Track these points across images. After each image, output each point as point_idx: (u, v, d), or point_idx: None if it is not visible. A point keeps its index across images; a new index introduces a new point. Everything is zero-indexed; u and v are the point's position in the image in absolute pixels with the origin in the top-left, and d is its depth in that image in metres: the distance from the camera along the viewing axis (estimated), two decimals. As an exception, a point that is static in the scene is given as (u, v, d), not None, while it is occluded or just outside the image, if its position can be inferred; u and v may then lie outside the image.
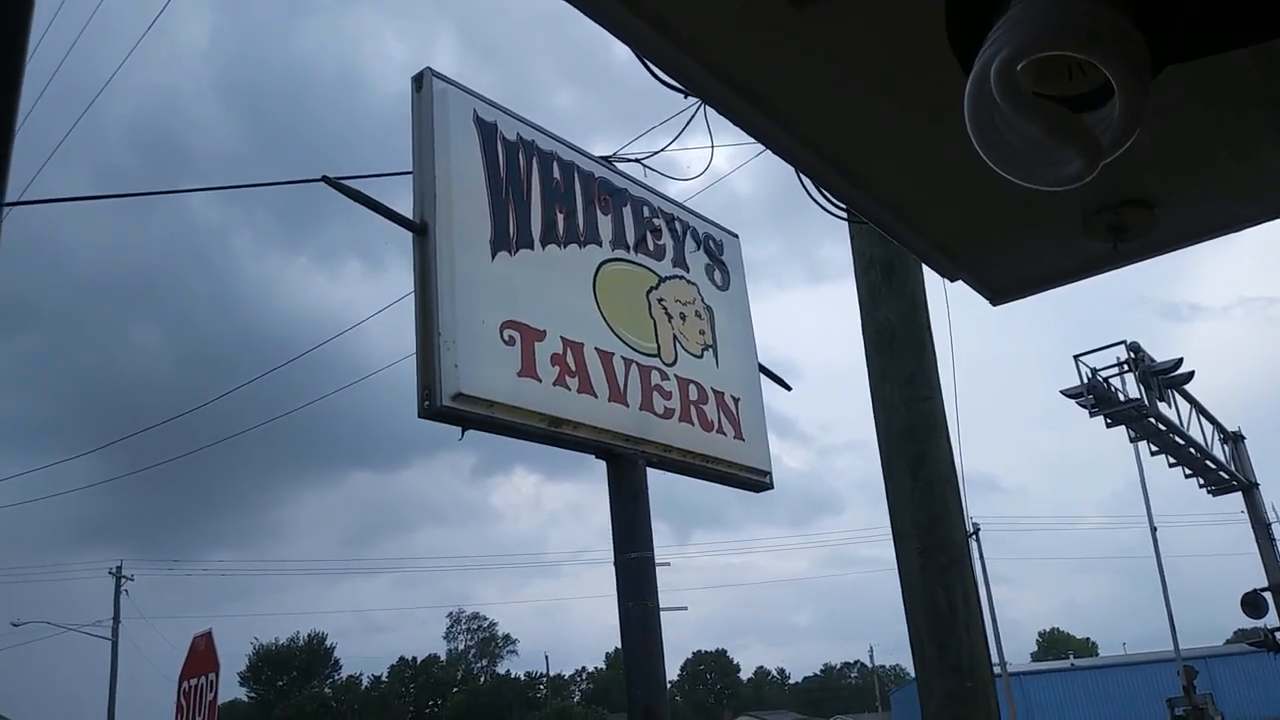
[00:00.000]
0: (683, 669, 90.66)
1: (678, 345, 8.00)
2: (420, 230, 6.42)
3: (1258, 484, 18.14)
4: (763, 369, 9.03)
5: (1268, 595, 17.39)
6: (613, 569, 6.80)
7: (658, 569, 6.85)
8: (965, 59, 1.27)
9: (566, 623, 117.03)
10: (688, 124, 7.61)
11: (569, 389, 6.84)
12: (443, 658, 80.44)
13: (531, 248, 7.04)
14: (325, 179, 6.24)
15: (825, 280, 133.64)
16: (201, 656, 10.09)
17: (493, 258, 6.71)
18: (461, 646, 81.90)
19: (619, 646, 6.89)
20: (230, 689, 68.96)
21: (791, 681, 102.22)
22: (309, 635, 74.34)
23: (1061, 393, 15.37)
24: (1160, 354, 15.63)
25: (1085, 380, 15.03)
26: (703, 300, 8.48)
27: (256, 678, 71.67)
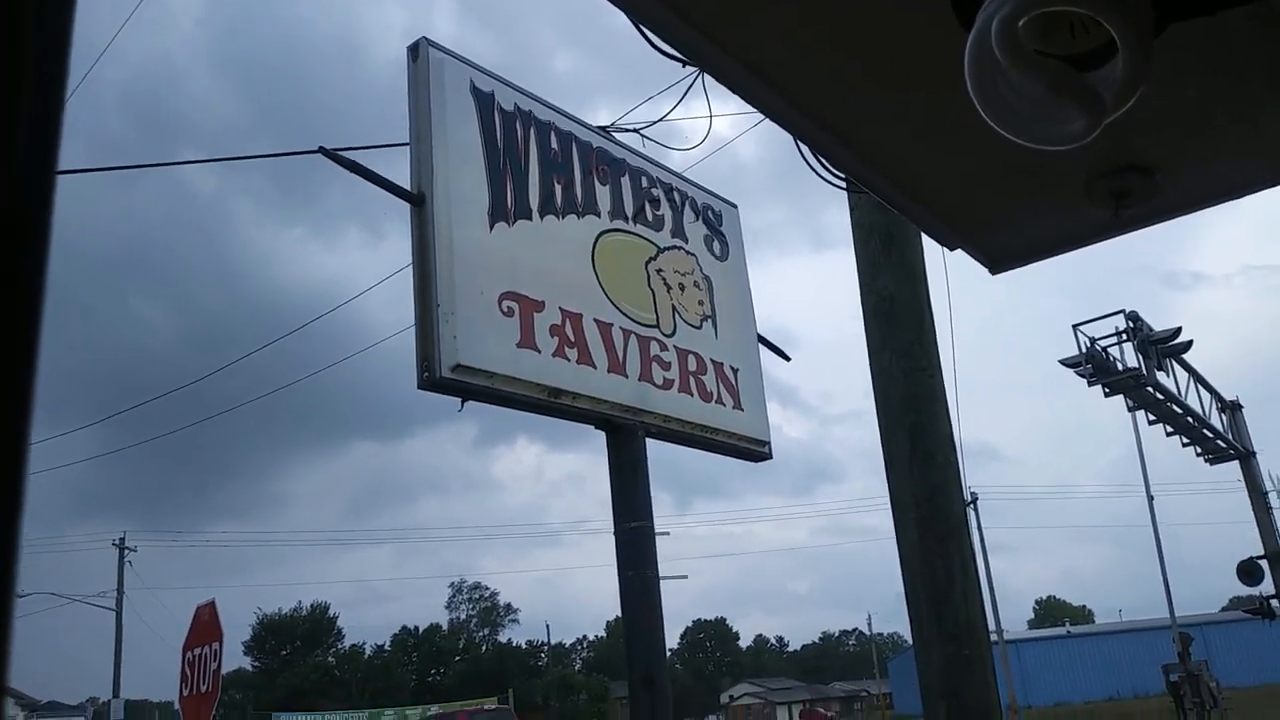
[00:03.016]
0: (683, 637, 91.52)
1: (676, 316, 7.99)
2: (418, 201, 6.39)
3: (1255, 452, 18.19)
4: (762, 339, 9.03)
5: (1264, 563, 17.49)
6: (613, 538, 6.83)
7: (657, 538, 6.88)
8: (966, 16, 1.25)
9: (567, 592, 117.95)
10: (686, 92, 7.55)
11: (568, 360, 6.84)
12: (445, 627, 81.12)
13: (530, 218, 7.01)
14: (322, 150, 6.20)
15: (829, 247, 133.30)
16: (205, 626, 10.14)
17: (491, 228, 6.69)
18: (463, 616, 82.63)
19: (619, 615, 6.94)
20: (234, 658, 69.60)
21: (790, 649, 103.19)
22: (312, 605, 74.86)
23: (1060, 362, 15.38)
24: (1161, 322, 15.63)
25: (1084, 350, 15.02)
26: (701, 271, 8.46)
27: (261, 647, 72.21)
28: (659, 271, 7.99)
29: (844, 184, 6.14)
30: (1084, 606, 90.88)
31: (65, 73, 0.47)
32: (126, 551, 40.26)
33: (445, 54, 6.83)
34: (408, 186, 6.46)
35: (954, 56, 1.22)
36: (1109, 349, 15.15)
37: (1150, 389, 15.32)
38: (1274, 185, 2.04)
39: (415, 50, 6.73)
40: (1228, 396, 18.22)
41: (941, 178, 1.98)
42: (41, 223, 0.45)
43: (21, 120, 0.44)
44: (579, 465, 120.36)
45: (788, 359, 9.58)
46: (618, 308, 7.42)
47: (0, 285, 0.43)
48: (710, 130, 7.93)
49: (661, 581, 6.82)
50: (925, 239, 5.95)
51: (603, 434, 7.16)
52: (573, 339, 6.93)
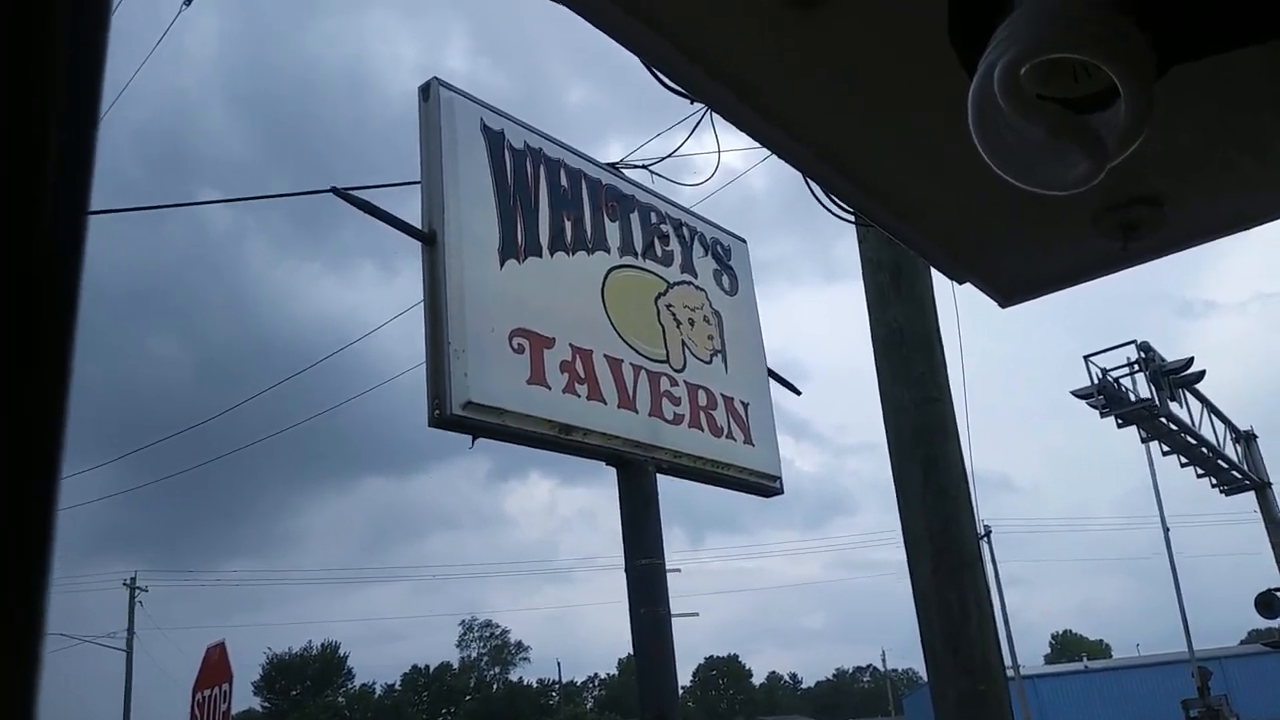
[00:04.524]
0: (695, 674, 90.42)
1: (686, 351, 8.00)
2: (429, 240, 6.44)
3: (1270, 483, 18.05)
4: (772, 374, 9.02)
5: (1283, 595, 17.29)
6: (624, 575, 6.80)
7: (669, 575, 6.85)
8: (969, 62, 1.27)
9: (579, 629, 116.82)
10: (695, 127, 7.63)
11: (578, 396, 6.85)
12: (455, 666, 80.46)
13: (540, 255, 7.06)
14: (334, 190, 6.26)
15: (841, 278, 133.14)
16: (215, 667, 10.11)
17: (501, 266, 6.73)
18: (474, 654, 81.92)
19: (631, 653, 6.89)
20: (244, 699, 69.04)
21: (804, 686, 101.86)
22: (322, 644, 74.41)
23: (1072, 393, 15.34)
24: (1174, 352, 15.60)
25: (1096, 380, 14.98)
26: (711, 305, 8.48)
27: (270, 687, 71.67)
28: (668, 307, 8.02)
29: (852, 218, 6.16)
30: (1101, 641, 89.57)
31: (97, 114, 0.49)
32: (137, 591, 40.18)
33: (456, 93, 6.91)
34: (419, 225, 6.51)
35: (959, 94, 1.23)
36: (1121, 380, 15.11)
37: (1163, 420, 15.24)
38: None
39: (426, 90, 6.82)
40: (1242, 427, 18.12)
41: (949, 213, 1.99)
42: (73, 265, 0.46)
43: (52, 162, 0.45)
44: (591, 501, 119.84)
45: (798, 393, 9.57)
46: (628, 343, 7.44)
47: (32, 326, 0.44)
48: (719, 165, 7.98)
49: (673, 618, 6.78)
50: (934, 271, 5.96)
51: (614, 470, 7.15)
52: (583, 375, 6.94)
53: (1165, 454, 16.64)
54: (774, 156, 1.83)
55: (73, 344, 0.44)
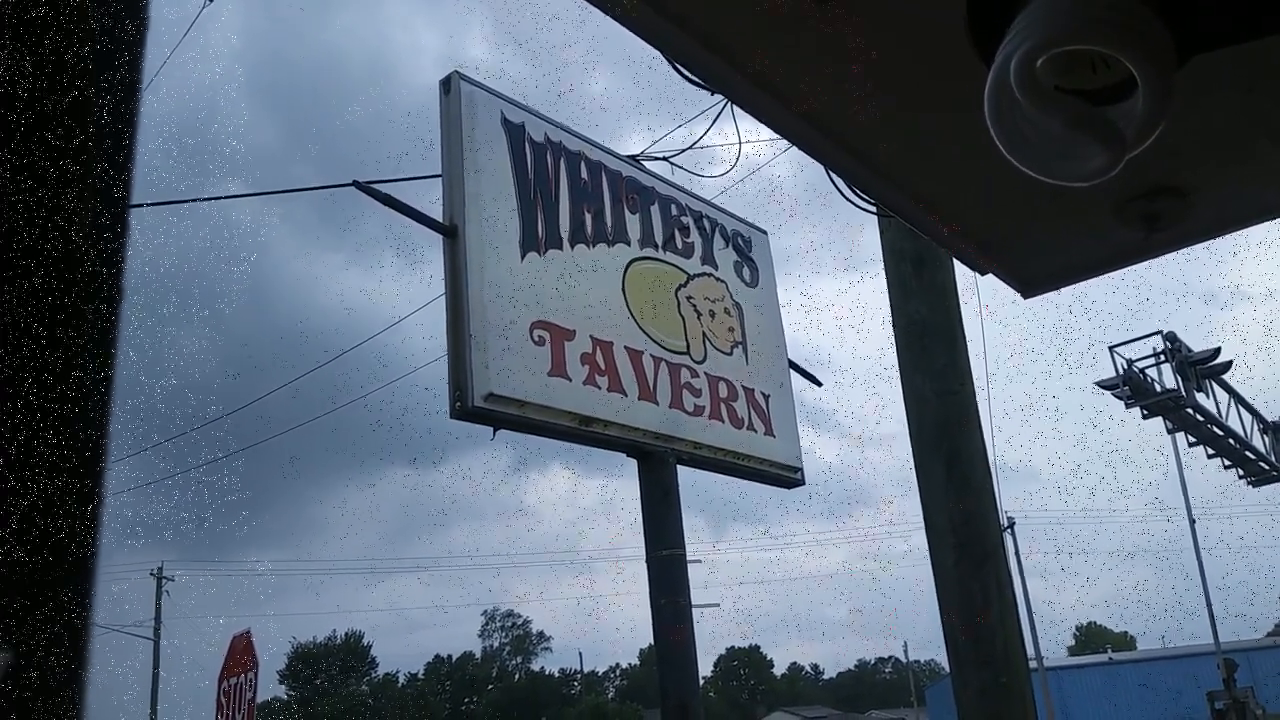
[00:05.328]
0: (716, 665, 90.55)
1: (707, 343, 8.00)
2: (450, 232, 6.47)
3: (1299, 475, 17.84)
4: (793, 365, 9.01)
5: (1311, 587, 17.10)
6: (645, 565, 6.82)
7: (690, 566, 6.86)
8: (986, 53, 1.26)
9: (600, 620, 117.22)
10: (714, 122, 7.61)
11: (599, 388, 6.87)
12: (478, 655, 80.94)
13: (560, 248, 7.07)
14: (356, 184, 6.30)
15: (866, 266, 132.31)
16: (241, 655, 10.22)
17: (522, 258, 6.75)
18: (496, 644, 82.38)
19: (652, 643, 6.91)
20: (269, 687, 69.75)
21: (826, 677, 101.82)
22: (346, 634, 75.04)
23: (1097, 384, 15.23)
24: (1201, 341, 15.43)
25: (1121, 371, 14.86)
26: (731, 297, 8.48)
27: (295, 676, 72.35)
28: (689, 299, 8.02)
29: (874, 209, 6.13)
30: (1125, 632, 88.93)
31: (135, 124, 0.50)
32: (164, 581, 40.60)
33: (476, 87, 6.94)
34: (440, 218, 6.55)
35: (977, 86, 1.23)
36: (1146, 370, 14.98)
37: (1190, 411, 15.11)
38: None
39: (447, 84, 6.84)
40: (1270, 417, 17.91)
41: (970, 204, 1.98)
42: (115, 267, 0.48)
43: (95, 157, 0.47)
44: (613, 491, 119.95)
45: (819, 384, 9.56)
46: (648, 335, 7.45)
47: (72, 322, 0.45)
48: (740, 156, 7.97)
49: (694, 609, 6.80)
50: (957, 262, 5.93)
51: (634, 461, 7.17)
52: (603, 367, 6.96)
53: (1191, 445, 16.50)
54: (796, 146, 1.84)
55: (117, 337, 0.46)
